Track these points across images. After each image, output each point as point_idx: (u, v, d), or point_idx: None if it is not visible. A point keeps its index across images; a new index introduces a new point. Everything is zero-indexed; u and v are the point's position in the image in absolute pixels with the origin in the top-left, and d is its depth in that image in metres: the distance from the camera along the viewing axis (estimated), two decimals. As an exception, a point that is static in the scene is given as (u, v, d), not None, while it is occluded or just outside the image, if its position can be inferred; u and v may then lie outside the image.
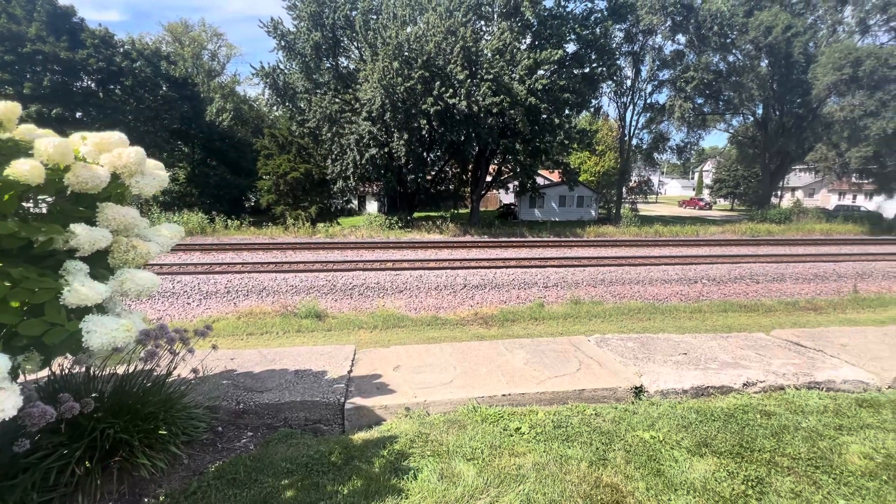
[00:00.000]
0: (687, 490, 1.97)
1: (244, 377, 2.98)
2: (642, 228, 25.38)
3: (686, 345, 3.71)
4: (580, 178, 35.39)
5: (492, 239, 21.00)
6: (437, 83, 19.60)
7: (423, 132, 21.12)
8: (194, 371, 2.45)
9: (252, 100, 44.61)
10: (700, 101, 30.48)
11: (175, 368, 2.30)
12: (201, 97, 35.35)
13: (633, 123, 32.60)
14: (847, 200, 43.56)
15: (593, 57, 26.33)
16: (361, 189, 28.63)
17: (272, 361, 3.23)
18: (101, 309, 1.84)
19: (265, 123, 40.19)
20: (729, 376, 3.10)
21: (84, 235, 1.71)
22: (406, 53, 19.81)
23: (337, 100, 23.36)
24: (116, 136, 1.95)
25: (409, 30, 20.55)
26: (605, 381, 2.92)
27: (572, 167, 31.79)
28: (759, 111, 31.98)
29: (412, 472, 2.05)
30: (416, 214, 27.08)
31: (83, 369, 2.13)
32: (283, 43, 24.15)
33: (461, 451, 2.21)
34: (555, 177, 38.31)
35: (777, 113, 30.82)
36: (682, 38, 29.38)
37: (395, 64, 19.28)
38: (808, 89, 26.84)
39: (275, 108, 30.99)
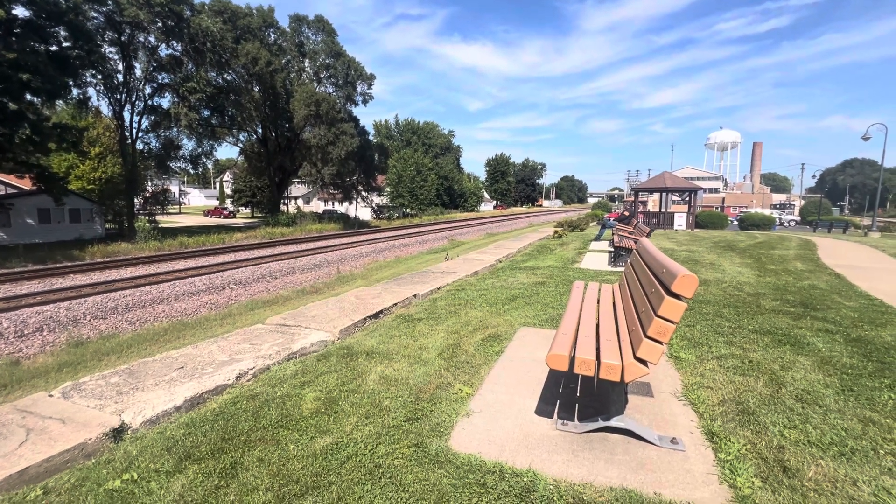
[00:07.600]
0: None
1: None
2: (165, 242, 23.26)
3: (185, 357, 3.60)
4: (75, 187, 27.76)
5: None
6: None
7: None
8: None
9: None
10: (207, 112, 30.93)
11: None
12: None
13: (136, 125, 28.83)
14: (330, 206, 58.23)
15: (63, 34, 21.53)
16: None
17: None
18: None
19: None
20: (223, 375, 3.26)
21: None
22: None
23: None
24: None
25: None
26: (65, 441, 2.30)
27: (56, 171, 24.84)
28: (260, 130, 36.50)
29: None
30: None
31: None
32: None
33: None
34: (27, 183, 28.37)
35: (273, 134, 36.31)
36: (178, 45, 28.41)
37: None
38: (291, 118, 33.23)
39: None
